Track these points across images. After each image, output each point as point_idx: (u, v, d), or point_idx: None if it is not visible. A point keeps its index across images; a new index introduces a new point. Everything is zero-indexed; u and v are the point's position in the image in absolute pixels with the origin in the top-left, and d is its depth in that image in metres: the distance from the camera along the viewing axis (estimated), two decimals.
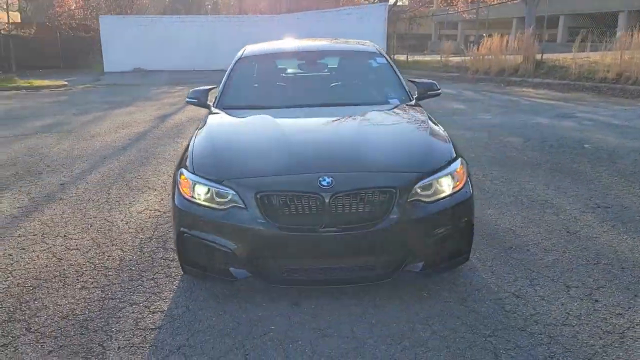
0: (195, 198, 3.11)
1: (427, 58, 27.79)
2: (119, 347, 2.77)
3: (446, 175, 3.19)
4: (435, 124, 3.86)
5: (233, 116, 4.05)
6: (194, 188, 3.13)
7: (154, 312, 3.11)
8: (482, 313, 3.03)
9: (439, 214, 3.09)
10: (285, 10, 37.04)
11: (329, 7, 30.89)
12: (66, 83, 20.53)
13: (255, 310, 3.11)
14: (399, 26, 31.36)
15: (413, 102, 4.35)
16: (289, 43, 5.18)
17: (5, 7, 33.01)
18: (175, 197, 3.20)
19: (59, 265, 3.81)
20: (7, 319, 3.08)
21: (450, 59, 23.00)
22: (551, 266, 3.62)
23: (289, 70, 4.94)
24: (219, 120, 3.98)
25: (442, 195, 3.13)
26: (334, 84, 4.67)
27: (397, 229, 2.98)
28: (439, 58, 23.93)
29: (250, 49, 4.97)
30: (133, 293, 3.36)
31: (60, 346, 2.80)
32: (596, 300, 3.14)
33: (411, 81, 4.64)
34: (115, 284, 3.50)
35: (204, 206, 3.06)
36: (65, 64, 31.77)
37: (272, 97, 4.43)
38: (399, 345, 2.74)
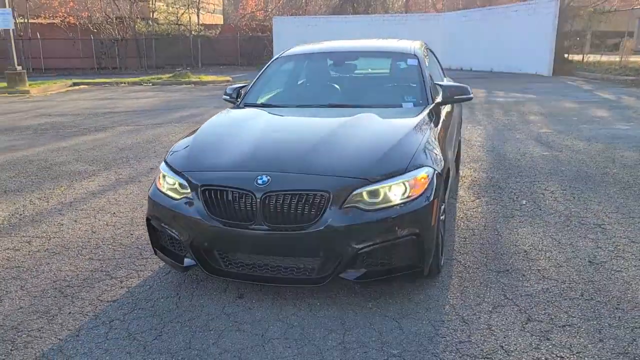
0: (163, 188, 3.38)
1: (604, 59, 25.03)
2: (69, 312, 3.16)
3: (397, 183, 3.04)
4: (431, 130, 3.65)
5: (234, 113, 4.26)
6: (163, 178, 3.41)
7: (121, 288, 3.46)
8: (408, 332, 2.86)
9: (381, 223, 2.97)
10: (461, 6, 36.20)
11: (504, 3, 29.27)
12: (230, 79, 22.51)
13: (202, 298, 3.29)
14: (578, 22, 28.60)
15: (431, 106, 4.13)
16: (329, 44, 5.22)
17: (201, 10, 36.93)
18: (151, 187, 3.52)
19: (89, 238, 4.37)
20: (14, 277, 3.66)
21: (632, 59, 20.54)
22: (533, 296, 3.23)
23: (315, 71, 4.98)
24: (219, 117, 4.22)
25: (390, 204, 3.00)
26: (352, 85, 4.61)
27: (330, 234, 2.93)
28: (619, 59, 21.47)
29: (291, 50, 5.13)
30: (121, 269, 3.76)
31: (31, 304, 3.27)
32: (547, 339, 2.76)
33: (437, 84, 4.40)
34: (116, 259, 3.94)
35: (167, 195, 3.32)
36: (242, 62, 34.67)
37: (288, 96, 4.54)
38: (297, 349, 2.72)
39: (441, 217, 3.53)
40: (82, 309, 3.20)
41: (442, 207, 3.50)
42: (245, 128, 3.74)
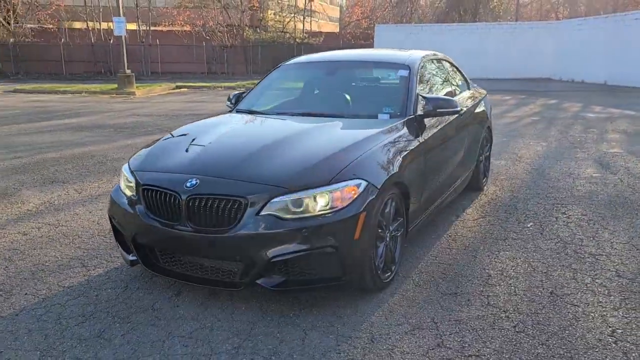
0: (121, 186, 3.62)
1: None
2: (26, 293, 3.48)
3: (319, 194, 3.03)
4: (395, 143, 3.62)
5: (212, 119, 4.42)
6: (123, 177, 3.64)
7: (84, 276, 3.74)
8: (308, 344, 2.83)
9: (297, 232, 2.97)
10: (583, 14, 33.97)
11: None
12: None
13: (144, 292, 3.47)
14: None
15: (408, 118, 4.02)
16: (330, 53, 5.20)
17: (307, 18, 38.00)
18: (115, 185, 3.77)
19: (90, 228, 4.75)
20: (6, 258, 4.09)
21: None
22: (461, 322, 3.05)
23: (306, 80, 5.00)
24: (198, 122, 4.39)
25: (309, 214, 3.00)
26: (334, 95, 4.58)
27: (244, 239, 2.99)
28: None
29: (295, 59, 5.21)
30: (95, 259, 4.06)
31: (1, 283, 3.64)
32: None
33: (422, 96, 4.24)
34: (98, 250, 4.25)
35: (122, 194, 3.55)
36: None
37: (273, 104, 4.61)
38: (192, 348, 2.80)
39: (394, 233, 3.49)
40: (38, 291, 3.51)
41: (398, 221, 3.53)
42: (209, 133, 3.88)
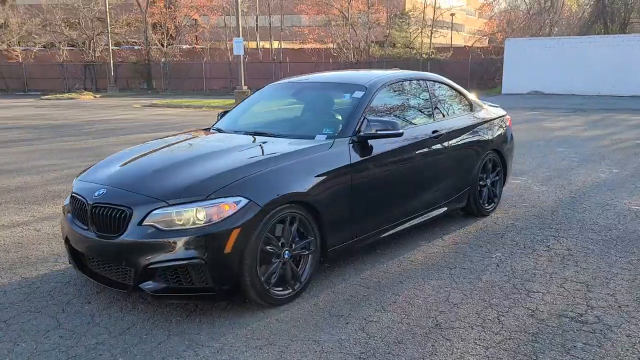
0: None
1: None
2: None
3: (196, 208, 3.27)
4: (308, 163, 3.76)
5: (173, 137, 4.79)
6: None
7: (55, 272, 4.29)
8: (113, 343, 3.07)
9: (170, 243, 3.23)
10: None
11: None
12: None
13: (88, 292, 3.93)
14: None
15: (340, 139, 4.07)
16: (308, 76, 5.31)
17: (435, 32, 37.63)
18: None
19: None
20: (2, 250, 4.85)
21: None
22: (293, 342, 3.08)
23: (272, 101, 5.16)
24: (162, 139, 4.79)
25: (184, 227, 3.25)
26: (284, 116, 4.71)
27: (127, 246, 3.32)
28: None
29: (281, 80, 5.44)
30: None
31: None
32: None
33: (367, 119, 4.24)
34: None
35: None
36: (471, 85, 34.09)
37: (234, 123, 4.85)
38: (63, 338, 3.18)
39: (297, 251, 3.62)
40: (4, 282, 4.13)
41: (305, 240, 3.67)
42: (149, 149, 4.28)
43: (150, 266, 3.27)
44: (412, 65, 34.22)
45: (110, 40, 31.72)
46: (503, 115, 6.05)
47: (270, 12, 37.84)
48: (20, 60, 35.87)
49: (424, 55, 35.00)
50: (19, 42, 36.36)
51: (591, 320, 3.33)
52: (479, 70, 34.23)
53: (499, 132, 5.79)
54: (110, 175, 3.77)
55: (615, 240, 4.83)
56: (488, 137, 5.57)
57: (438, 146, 4.88)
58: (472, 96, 5.80)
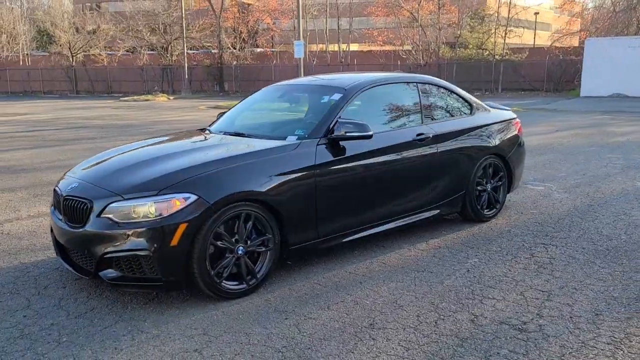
0: None
1: None
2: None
3: (147, 203, 3.50)
4: (267, 162, 3.90)
5: (170, 136, 5.06)
6: None
7: (35, 264, 4.66)
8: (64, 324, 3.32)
9: (122, 235, 3.49)
10: None
11: None
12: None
13: (58, 281, 4.29)
14: None
15: (309, 141, 4.18)
16: (300, 79, 5.40)
17: (510, 32, 36.36)
18: None
19: None
20: None
21: None
22: (221, 335, 3.22)
23: (262, 102, 5.28)
24: (157, 138, 5.07)
25: (136, 220, 3.50)
26: (265, 117, 4.84)
27: (88, 236, 3.61)
28: None
29: (279, 82, 5.60)
30: None
31: None
32: None
33: (339, 121, 4.30)
34: None
35: None
36: (548, 88, 32.69)
37: (222, 125, 5.05)
38: (27, 318, 3.51)
39: (253, 248, 3.77)
40: (2, 265, 4.56)
41: (263, 237, 3.81)
42: (133, 147, 4.57)
43: (106, 255, 3.53)
44: (485, 67, 33.30)
45: (185, 45, 33.22)
46: (509, 119, 5.88)
47: (339, 15, 38.11)
48: (105, 64, 38.35)
49: (496, 57, 33.91)
50: (105, 47, 38.91)
51: (531, 329, 3.24)
52: (557, 71, 32.72)
53: (502, 137, 5.64)
54: (86, 171, 4.10)
55: (609, 250, 4.60)
56: (488, 141, 5.45)
57: (424, 149, 4.85)
58: (473, 99, 5.69)
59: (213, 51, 37.92)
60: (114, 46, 39.04)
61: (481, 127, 5.45)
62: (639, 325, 3.26)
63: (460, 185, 5.23)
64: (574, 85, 31.42)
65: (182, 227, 3.46)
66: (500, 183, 5.66)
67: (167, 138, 4.93)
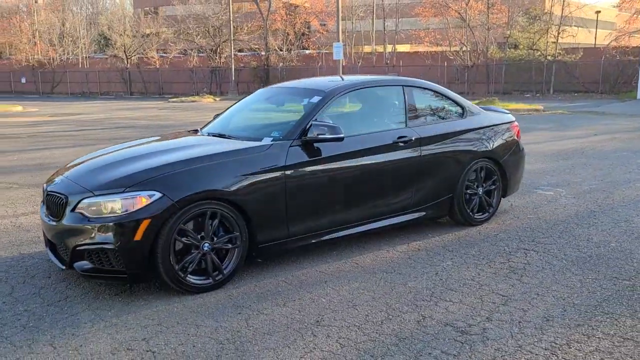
0: None
1: None
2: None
3: (114, 200, 3.73)
4: (235, 162, 4.06)
5: (160, 136, 5.29)
6: None
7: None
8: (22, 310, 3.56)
9: (90, 229, 3.72)
10: None
11: None
12: (541, 107, 21.29)
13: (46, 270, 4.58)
14: None
15: (282, 142, 4.31)
16: (291, 82, 5.49)
17: (563, 32, 35.18)
18: None
19: None
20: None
21: None
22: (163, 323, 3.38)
23: (250, 105, 5.41)
24: (151, 138, 5.30)
25: (103, 215, 3.73)
26: (246, 120, 5.00)
27: (65, 229, 3.87)
28: None
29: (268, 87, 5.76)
30: None
31: None
32: None
33: (313, 124, 4.39)
34: None
35: None
36: (603, 89, 31.42)
37: (211, 127, 5.24)
38: (5, 304, 3.80)
39: (219, 245, 3.92)
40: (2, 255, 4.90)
41: (230, 235, 3.97)
42: (120, 147, 4.82)
43: (78, 248, 3.78)
44: (536, 67, 32.34)
45: (232, 47, 34.01)
46: (505, 123, 5.80)
47: (385, 17, 37.97)
48: (157, 66, 39.69)
49: (548, 57, 32.90)
50: (157, 50, 40.31)
51: (474, 331, 3.25)
52: (613, 73, 31.44)
53: (495, 140, 5.58)
54: (72, 169, 4.37)
55: (591, 257, 4.50)
56: (479, 144, 5.41)
57: (406, 152, 4.88)
58: (466, 102, 5.65)
59: (261, 53, 38.59)
60: (166, 49, 40.36)
61: (472, 130, 5.42)
62: (586, 333, 3.21)
63: (448, 188, 5.22)
64: (631, 87, 30.09)
65: (145, 223, 3.66)
66: (494, 187, 5.60)
67: (155, 138, 5.16)
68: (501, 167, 5.61)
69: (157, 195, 3.72)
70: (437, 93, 5.46)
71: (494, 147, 5.54)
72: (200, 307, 3.69)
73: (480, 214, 5.52)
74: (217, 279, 3.98)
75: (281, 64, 37.16)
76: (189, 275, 3.86)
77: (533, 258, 4.51)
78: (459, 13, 34.91)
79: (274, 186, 4.16)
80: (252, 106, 5.37)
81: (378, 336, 3.23)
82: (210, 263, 3.94)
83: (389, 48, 38.09)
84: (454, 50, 34.86)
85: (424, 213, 5.13)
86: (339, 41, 22.04)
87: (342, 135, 4.31)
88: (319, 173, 4.40)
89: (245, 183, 4.03)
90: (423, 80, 5.55)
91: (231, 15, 32.82)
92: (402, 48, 41.52)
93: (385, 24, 38.05)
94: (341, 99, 4.77)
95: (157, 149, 4.54)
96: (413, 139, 4.92)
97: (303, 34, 39.12)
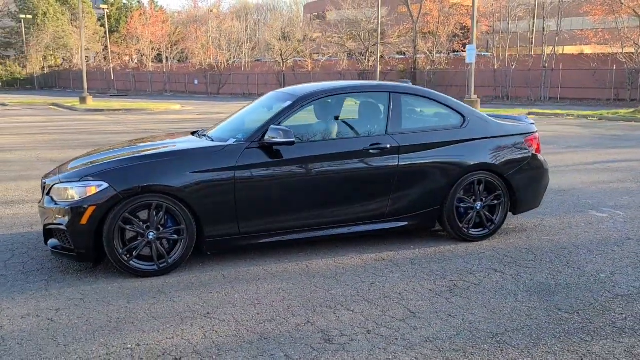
0: None
1: None
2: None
3: (71, 187, 4.29)
4: (184, 160, 4.40)
5: (161, 134, 5.76)
6: None
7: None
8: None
9: (52, 212, 4.33)
10: None
11: None
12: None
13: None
14: None
15: (238, 144, 4.53)
16: (292, 86, 5.54)
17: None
18: None
19: None
20: None
21: None
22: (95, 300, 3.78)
23: (251, 109, 5.56)
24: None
25: (62, 200, 4.32)
26: (238, 121, 5.22)
27: (42, 211, 4.54)
28: None
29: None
30: None
31: None
32: None
33: (271, 127, 4.51)
34: None
35: None
36: None
37: (213, 127, 5.56)
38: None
39: (165, 235, 4.30)
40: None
41: (177, 227, 4.33)
42: (120, 144, 5.40)
43: (46, 227, 4.42)
44: None
45: (378, 50, 34.28)
46: (518, 134, 5.31)
47: (546, 16, 35.29)
48: (309, 69, 41.58)
49: None
50: (311, 54, 42.26)
51: (338, 341, 3.20)
52: None
53: (500, 152, 5.16)
54: (67, 163, 5.06)
55: (556, 286, 4.04)
56: (476, 155, 5.06)
57: (380, 160, 4.78)
58: (469, 111, 5.26)
59: (407, 56, 38.37)
60: (319, 52, 42.09)
61: (470, 140, 5.09)
62: (453, 358, 2.97)
63: (434, 200, 4.98)
64: None
65: (91, 209, 4.15)
66: (497, 202, 5.18)
67: (150, 137, 5.68)
68: (507, 182, 5.17)
69: (105, 185, 4.19)
70: (431, 100, 5.20)
71: (497, 159, 5.13)
72: (127, 290, 4.06)
73: (478, 229, 5.15)
74: (161, 266, 4.33)
75: (429, 67, 36.58)
76: (133, 260, 4.27)
77: (490, 280, 4.16)
78: (634, 10, 31.18)
79: (223, 185, 4.40)
80: (249, 110, 5.64)
81: (245, 333, 3.32)
82: (155, 251, 4.31)
83: (548, 50, 35.34)
84: (628, 53, 31.25)
85: (406, 223, 4.97)
86: (473, 43, 21.14)
87: (292, 140, 4.39)
88: (274, 176, 4.52)
89: (192, 180, 4.33)
90: (417, 87, 5.33)
91: (379, 19, 33.14)
92: (567, 50, 38.31)
93: (546, 24, 35.38)
94: (314, 104, 4.84)
95: (136, 147, 5.04)
96: (389, 146, 4.79)
97: (455, 36, 38.00)
